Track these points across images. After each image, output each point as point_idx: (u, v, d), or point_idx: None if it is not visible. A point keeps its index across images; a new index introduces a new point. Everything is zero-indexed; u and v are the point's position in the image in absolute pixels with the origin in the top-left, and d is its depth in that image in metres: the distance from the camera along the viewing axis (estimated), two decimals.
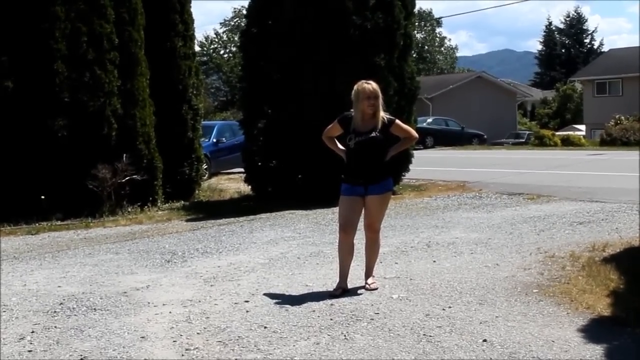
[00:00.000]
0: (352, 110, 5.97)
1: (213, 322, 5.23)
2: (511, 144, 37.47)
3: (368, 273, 6.17)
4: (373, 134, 5.86)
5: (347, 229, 5.99)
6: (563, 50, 74.77)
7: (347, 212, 5.98)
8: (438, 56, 71.41)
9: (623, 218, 9.36)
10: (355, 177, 5.96)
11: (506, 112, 46.22)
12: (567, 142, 31.76)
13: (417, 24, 55.71)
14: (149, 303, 5.88)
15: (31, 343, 4.91)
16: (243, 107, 14.29)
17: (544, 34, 76.23)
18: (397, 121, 6.08)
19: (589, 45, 75.07)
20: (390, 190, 6.14)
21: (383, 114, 5.93)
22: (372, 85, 5.92)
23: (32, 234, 10.17)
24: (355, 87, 5.95)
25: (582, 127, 43.97)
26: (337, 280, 6.06)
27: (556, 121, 54.21)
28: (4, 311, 5.76)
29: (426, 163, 18.25)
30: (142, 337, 4.94)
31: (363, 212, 6.06)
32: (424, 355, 4.44)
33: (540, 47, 76.83)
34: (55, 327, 5.28)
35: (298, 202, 11.65)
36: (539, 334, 4.76)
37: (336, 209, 6.38)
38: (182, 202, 13.71)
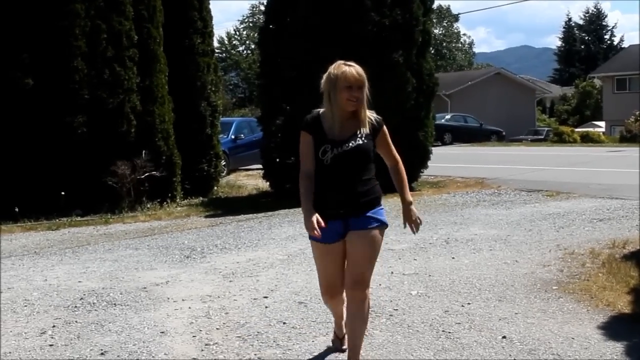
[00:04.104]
0: (320, 108, 4.01)
1: (232, 318, 5.25)
2: (530, 140, 37.23)
3: (353, 354, 3.99)
4: (358, 141, 3.87)
5: (332, 291, 4.12)
6: (582, 47, 74.20)
7: (330, 270, 4.02)
8: (457, 52, 71.20)
9: None
10: (333, 208, 3.86)
11: (525, 109, 45.98)
12: (587, 139, 31.53)
13: (435, 20, 55.79)
14: (168, 298, 5.91)
15: (52, 337, 4.96)
16: (261, 104, 14.32)
17: (563, 30, 75.78)
18: (385, 128, 4.03)
19: (608, 42, 74.48)
20: (385, 225, 4.02)
21: (369, 113, 3.95)
22: (355, 67, 3.86)
23: (52, 230, 10.27)
24: (330, 70, 3.92)
25: (602, 123, 43.62)
26: (334, 332, 4.53)
27: (575, 118, 53.80)
28: (25, 306, 5.82)
29: (444, 159, 18.20)
30: (162, 332, 4.97)
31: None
32: (443, 351, 4.43)
33: (559, 43, 76.43)
34: (76, 321, 5.32)
35: None
36: (559, 330, 4.74)
37: None
38: (201, 198, 13.78)
